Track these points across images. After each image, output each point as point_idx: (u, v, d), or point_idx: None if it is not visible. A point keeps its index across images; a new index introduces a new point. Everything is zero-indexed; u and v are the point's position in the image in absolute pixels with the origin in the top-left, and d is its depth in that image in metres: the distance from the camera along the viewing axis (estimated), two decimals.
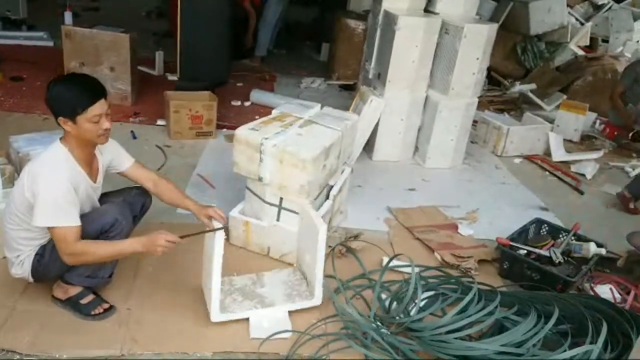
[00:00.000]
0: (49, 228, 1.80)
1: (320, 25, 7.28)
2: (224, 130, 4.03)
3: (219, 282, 1.95)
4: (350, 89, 5.60)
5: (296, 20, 7.71)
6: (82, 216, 1.86)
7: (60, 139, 1.91)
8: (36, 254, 1.92)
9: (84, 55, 4.09)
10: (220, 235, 1.90)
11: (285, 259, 2.48)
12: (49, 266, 1.91)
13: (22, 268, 1.94)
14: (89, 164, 1.98)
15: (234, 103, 4.71)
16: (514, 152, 4.33)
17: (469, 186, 3.71)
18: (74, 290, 1.98)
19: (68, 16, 4.82)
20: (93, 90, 1.86)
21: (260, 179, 2.43)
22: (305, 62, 6.72)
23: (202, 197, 2.96)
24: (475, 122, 4.27)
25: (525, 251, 2.65)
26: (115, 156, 2.12)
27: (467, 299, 1.96)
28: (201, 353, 1.89)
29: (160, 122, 3.99)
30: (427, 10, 3.81)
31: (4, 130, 3.30)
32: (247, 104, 4.76)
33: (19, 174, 2.41)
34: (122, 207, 1.97)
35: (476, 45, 3.59)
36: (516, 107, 5.52)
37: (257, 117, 4.27)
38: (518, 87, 5.58)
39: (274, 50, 6.75)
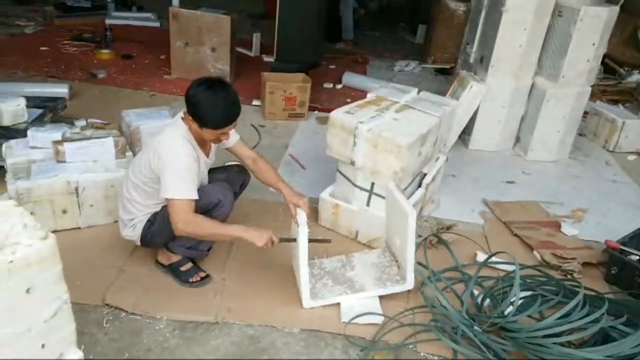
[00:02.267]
0: (167, 199, 1.89)
1: (416, 6, 7.07)
2: (316, 112, 4.06)
3: (307, 274, 1.98)
4: (446, 73, 5.40)
5: (390, 0, 7.53)
6: None
7: (182, 117, 2.00)
8: (148, 220, 2.05)
9: (188, 36, 4.30)
10: (304, 233, 1.92)
11: (373, 244, 2.45)
12: (157, 234, 2.04)
13: (133, 231, 2.09)
14: (204, 144, 2.08)
15: (325, 85, 4.73)
16: (628, 147, 3.97)
17: (574, 182, 3.45)
18: (176, 258, 2.12)
19: None
20: (232, 114, 1.93)
21: (352, 163, 2.42)
22: (399, 44, 6.57)
23: (292, 176, 3.01)
24: (585, 113, 3.94)
25: (638, 257, 2.41)
26: None
27: (573, 303, 1.82)
28: (289, 328, 1.93)
29: (255, 102, 4.10)
30: None
31: (115, 105, 3.58)
32: (339, 86, 4.76)
33: (130, 146, 2.59)
34: (226, 189, 2.04)
35: (593, 29, 3.30)
36: (633, 98, 5.03)
37: (348, 100, 4.27)
38: (636, 77, 5.12)
39: (367, 32, 6.67)
